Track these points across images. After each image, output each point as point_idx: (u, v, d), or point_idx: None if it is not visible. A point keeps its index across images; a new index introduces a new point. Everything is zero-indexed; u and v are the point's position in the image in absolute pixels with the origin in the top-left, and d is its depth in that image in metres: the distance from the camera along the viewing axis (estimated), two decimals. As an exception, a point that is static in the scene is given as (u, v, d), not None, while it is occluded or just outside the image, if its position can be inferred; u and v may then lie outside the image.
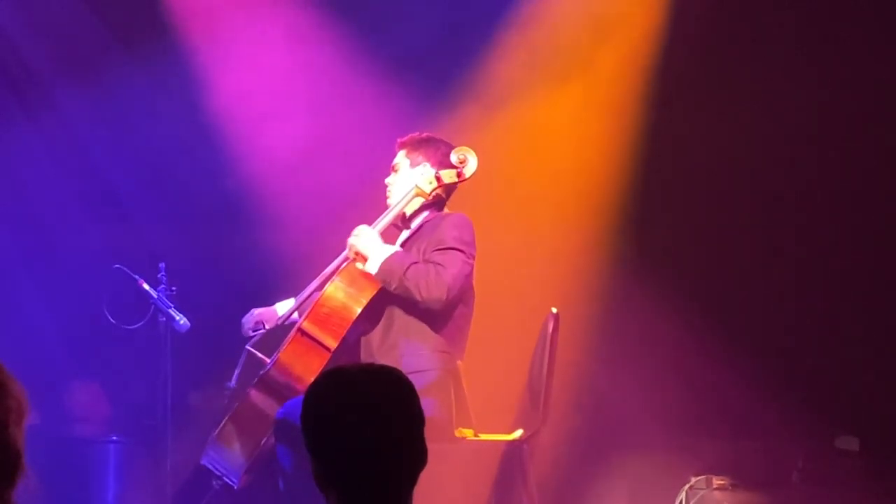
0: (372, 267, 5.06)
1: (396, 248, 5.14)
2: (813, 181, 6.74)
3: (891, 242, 6.64)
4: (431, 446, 2.55)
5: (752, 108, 6.78)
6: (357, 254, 5.13)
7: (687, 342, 6.55)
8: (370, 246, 5.10)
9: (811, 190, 6.76)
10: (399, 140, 5.42)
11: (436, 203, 5.32)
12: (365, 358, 5.08)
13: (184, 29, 6.90)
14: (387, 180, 5.39)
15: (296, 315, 5.29)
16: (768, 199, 6.83)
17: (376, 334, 5.13)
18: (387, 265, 5.02)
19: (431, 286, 4.97)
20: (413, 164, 5.32)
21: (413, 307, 5.05)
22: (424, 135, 5.43)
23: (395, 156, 5.40)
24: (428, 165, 5.29)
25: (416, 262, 5.03)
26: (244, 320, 5.41)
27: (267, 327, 5.31)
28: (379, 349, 5.08)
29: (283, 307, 5.44)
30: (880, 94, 6.59)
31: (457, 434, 5.03)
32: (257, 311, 5.43)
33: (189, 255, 6.42)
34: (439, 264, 5.01)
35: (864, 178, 6.68)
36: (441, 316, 5.08)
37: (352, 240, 5.16)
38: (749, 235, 6.86)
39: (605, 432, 6.70)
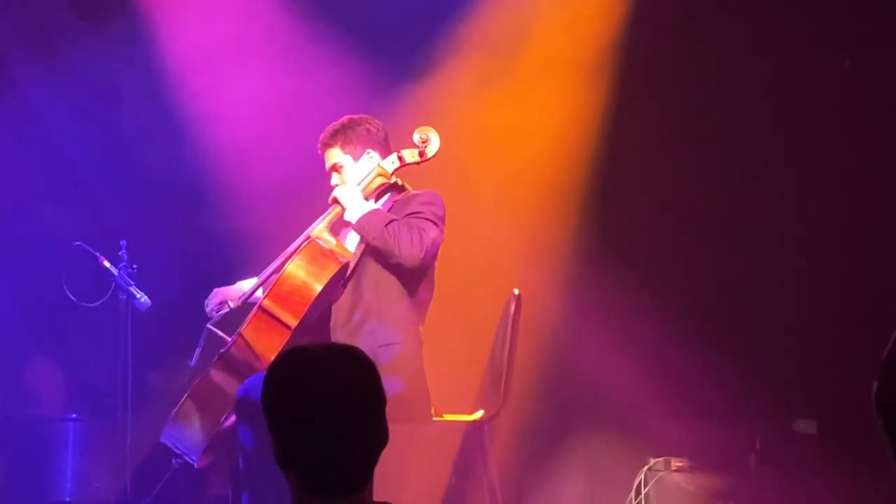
0: (352, 216, 5.04)
1: (378, 206, 5.12)
2: (776, 167, 6.78)
3: (851, 229, 6.68)
4: (392, 426, 2.55)
5: (713, 96, 6.82)
6: (336, 201, 5.11)
7: (647, 326, 6.58)
8: (353, 197, 5.08)
9: (772, 175, 6.79)
10: (322, 140, 5.28)
11: (395, 186, 5.28)
12: (333, 332, 5.07)
13: (147, 9, 6.86)
14: (333, 182, 5.27)
15: (259, 293, 5.26)
16: (729, 184, 6.86)
17: (344, 310, 5.10)
18: (368, 216, 5.01)
19: (413, 243, 4.95)
20: (357, 157, 5.23)
21: (381, 278, 5.04)
22: (344, 121, 5.29)
23: (323, 157, 5.28)
24: (373, 153, 5.23)
25: (396, 220, 5.02)
26: (207, 301, 5.33)
27: (231, 306, 5.27)
28: (346, 324, 5.05)
29: (248, 286, 5.39)
30: (850, 84, 6.63)
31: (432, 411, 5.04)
32: (220, 291, 5.37)
33: (150, 233, 6.40)
34: (420, 227, 5.00)
35: (826, 165, 6.72)
36: (408, 286, 5.08)
37: (336, 191, 5.12)
38: (709, 220, 6.88)
39: (565, 414, 6.72)
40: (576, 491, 6.69)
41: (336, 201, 5.12)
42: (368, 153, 5.23)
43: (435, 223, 5.07)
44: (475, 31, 6.84)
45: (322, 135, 5.29)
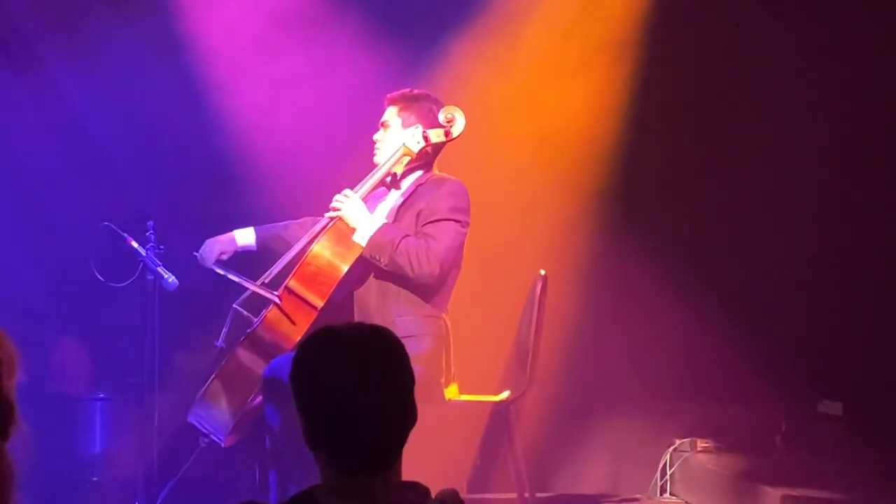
0: (360, 241, 5.05)
1: (383, 219, 5.12)
2: (805, 145, 6.76)
3: (879, 210, 6.67)
4: (420, 406, 2.56)
5: (740, 74, 6.81)
6: (339, 219, 5.13)
7: (674, 306, 6.57)
8: (357, 217, 5.09)
9: (800, 154, 6.78)
10: (389, 95, 5.35)
11: (425, 163, 5.28)
12: (359, 319, 5.07)
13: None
14: (375, 136, 5.32)
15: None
16: (756, 164, 6.84)
17: (369, 297, 5.12)
18: (376, 240, 5.02)
19: (423, 262, 4.97)
20: (406, 125, 5.25)
21: (405, 277, 5.05)
22: (416, 91, 5.37)
23: (383, 111, 5.33)
24: (420, 127, 5.23)
25: (406, 236, 5.02)
26: (205, 254, 5.33)
27: (225, 258, 5.30)
28: (374, 313, 5.07)
29: (242, 235, 5.43)
30: (878, 67, 6.61)
31: (446, 397, 5.05)
32: (217, 242, 5.38)
33: (178, 213, 6.41)
34: (431, 237, 5.00)
35: (856, 144, 6.70)
36: (432, 286, 5.09)
37: (338, 205, 5.14)
38: (737, 201, 6.88)
39: (592, 394, 6.73)
40: (601, 471, 6.70)
41: (339, 219, 5.13)
42: (416, 126, 5.23)
43: (455, 220, 5.07)
44: (498, 8, 6.82)
45: (394, 91, 5.36)
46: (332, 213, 5.17)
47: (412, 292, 5.07)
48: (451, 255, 5.06)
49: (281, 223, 5.50)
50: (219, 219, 6.44)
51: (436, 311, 5.12)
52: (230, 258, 5.41)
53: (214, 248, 5.37)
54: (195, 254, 5.38)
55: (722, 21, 6.78)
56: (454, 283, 5.21)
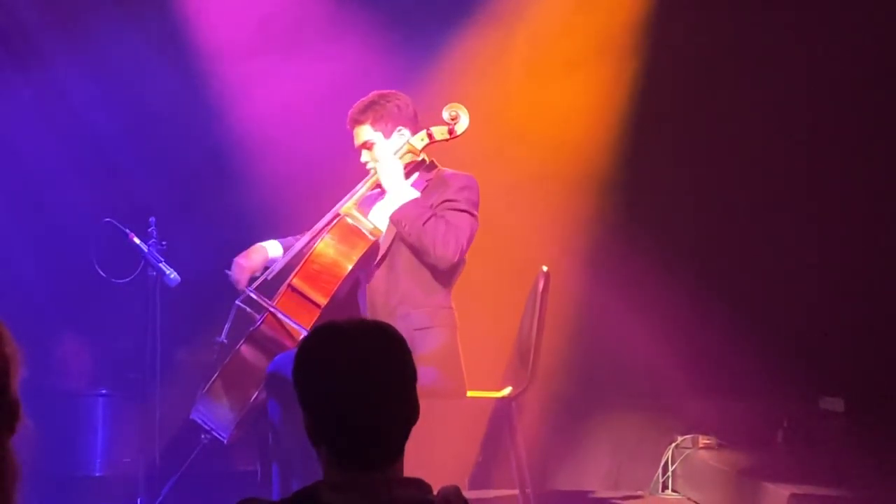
0: (391, 204, 5.02)
1: (417, 193, 5.07)
2: (804, 144, 6.76)
3: (879, 206, 6.67)
4: (422, 402, 2.56)
5: (741, 75, 6.81)
6: (377, 184, 5.10)
7: (675, 303, 6.58)
8: (393, 182, 5.05)
9: (801, 153, 6.78)
10: (352, 117, 5.17)
11: (424, 164, 5.24)
12: (371, 314, 5.06)
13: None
14: (363, 160, 5.18)
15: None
16: (757, 160, 6.85)
17: (379, 293, 5.09)
18: (406, 210, 4.98)
19: (448, 245, 4.92)
20: (388, 134, 5.14)
21: (417, 263, 5.03)
22: (371, 98, 5.19)
23: (352, 133, 5.19)
24: (404, 130, 5.16)
25: (435, 216, 4.97)
26: (236, 276, 5.18)
27: (257, 275, 5.22)
28: (384, 308, 5.06)
29: (270, 248, 5.30)
30: (882, 65, 6.63)
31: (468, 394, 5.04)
32: (248, 260, 5.23)
33: (180, 209, 6.42)
34: (456, 226, 4.97)
35: (857, 141, 6.71)
36: (445, 274, 5.06)
37: (376, 164, 5.09)
38: (738, 197, 6.88)
39: (593, 391, 6.73)
40: (603, 468, 6.71)
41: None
42: (399, 130, 5.15)
43: (471, 213, 5.03)
44: (503, 8, 6.82)
45: (351, 111, 5.19)
46: (372, 164, 5.13)
47: (421, 282, 5.05)
48: (468, 246, 5.02)
49: (294, 236, 5.44)
50: (220, 215, 6.46)
51: (446, 302, 5.10)
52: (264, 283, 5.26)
53: (245, 269, 5.19)
54: (227, 272, 5.21)
55: (728, 19, 6.78)
56: (458, 278, 5.19)
